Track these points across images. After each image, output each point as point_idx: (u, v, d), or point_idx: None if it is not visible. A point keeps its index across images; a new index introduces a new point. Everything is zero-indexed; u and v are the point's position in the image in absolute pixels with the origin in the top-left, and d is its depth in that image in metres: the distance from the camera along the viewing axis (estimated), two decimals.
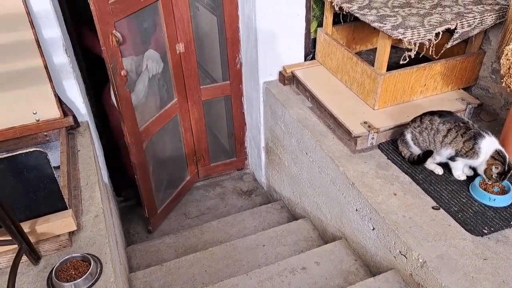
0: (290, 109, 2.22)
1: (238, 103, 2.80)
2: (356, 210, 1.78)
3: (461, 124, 1.65)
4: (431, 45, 1.78)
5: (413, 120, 1.78)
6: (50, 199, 1.39)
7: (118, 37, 1.90)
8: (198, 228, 2.52)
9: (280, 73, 2.43)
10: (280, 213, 2.63)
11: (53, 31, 1.80)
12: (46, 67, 1.78)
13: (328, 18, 2.25)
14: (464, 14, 1.85)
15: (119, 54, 1.98)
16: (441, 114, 1.72)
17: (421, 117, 1.76)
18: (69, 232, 1.45)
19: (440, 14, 1.86)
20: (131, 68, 2.30)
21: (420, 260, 1.45)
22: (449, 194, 1.65)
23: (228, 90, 2.72)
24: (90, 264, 1.36)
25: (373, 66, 1.96)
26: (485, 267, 1.39)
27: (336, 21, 2.28)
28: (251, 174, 3.12)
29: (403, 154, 1.82)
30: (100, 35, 1.80)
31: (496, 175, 1.55)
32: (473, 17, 1.84)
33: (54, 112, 1.89)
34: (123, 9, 1.95)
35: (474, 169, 1.71)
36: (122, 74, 2.00)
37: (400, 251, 1.55)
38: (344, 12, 2.04)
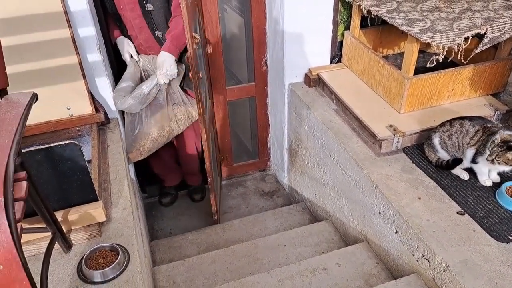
0: (315, 111, 2.23)
1: (263, 104, 2.83)
2: (379, 213, 1.79)
3: (488, 125, 1.64)
4: (460, 50, 1.77)
5: (442, 124, 1.77)
6: (82, 190, 1.45)
7: (197, 39, 1.95)
8: (220, 226, 2.55)
9: (306, 75, 2.44)
10: (302, 214, 2.64)
11: (88, 30, 1.87)
12: (80, 64, 1.85)
13: (355, 21, 2.25)
14: (495, 19, 1.83)
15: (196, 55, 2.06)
16: (471, 118, 1.71)
17: (451, 121, 1.75)
18: (99, 223, 1.51)
19: (470, 19, 1.85)
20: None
21: (443, 265, 1.44)
22: (475, 200, 1.64)
23: (253, 91, 2.76)
24: (118, 254, 1.41)
25: (400, 70, 1.96)
26: (510, 273, 1.38)
27: (363, 24, 2.29)
28: (273, 176, 3.14)
29: (430, 158, 1.81)
30: (189, 37, 1.80)
31: None
32: (503, 22, 1.82)
33: (87, 108, 1.96)
34: (192, 12, 2.02)
35: (500, 175, 1.69)
36: (200, 76, 2.05)
37: (423, 254, 1.55)
38: (372, 16, 2.04)
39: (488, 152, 1.58)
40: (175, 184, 2.92)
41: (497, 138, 1.54)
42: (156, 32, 2.24)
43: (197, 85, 1.96)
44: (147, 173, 2.84)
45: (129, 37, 2.29)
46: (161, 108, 2.28)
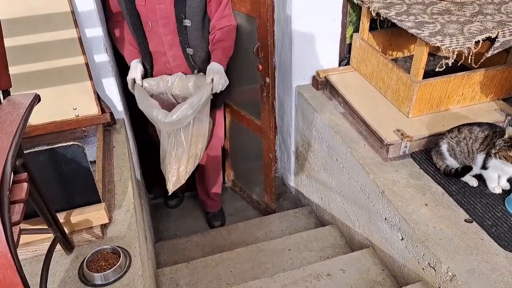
0: (322, 114, 2.21)
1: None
2: (385, 219, 1.76)
3: (498, 130, 1.61)
4: (470, 54, 1.74)
5: (450, 131, 1.74)
6: (85, 192, 1.45)
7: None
8: (225, 229, 2.54)
9: (314, 77, 2.42)
10: (308, 218, 2.62)
11: (96, 30, 1.87)
12: (87, 65, 1.85)
13: (364, 23, 2.23)
14: (506, 23, 1.79)
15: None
16: (480, 124, 1.68)
17: (459, 127, 1.71)
18: (101, 225, 1.50)
19: (481, 22, 1.81)
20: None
21: (450, 274, 1.41)
22: (483, 208, 1.60)
23: None
24: (119, 257, 1.40)
25: (409, 73, 1.93)
26: None
27: (372, 27, 2.26)
28: (280, 178, 3.12)
29: (438, 166, 1.77)
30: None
31: None
32: None
33: (93, 109, 1.96)
34: None
35: (510, 182, 1.65)
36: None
37: (429, 263, 1.52)
38: (381, 18, 2.01)
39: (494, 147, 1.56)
40: (182, 187, 2.89)
41: (506, 134, 1.52)
42: (187, 50, 2.10)
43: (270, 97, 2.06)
44: (154, 174, 2.84)
45: (149, 55, 2.13)
46: (199, 123, 2.15)
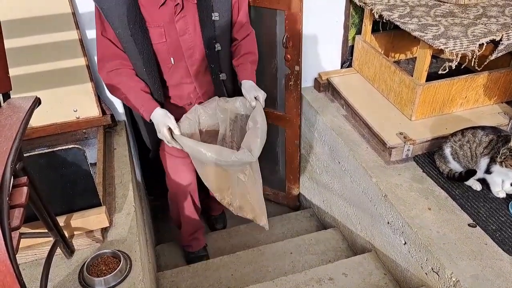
0: (324, 116, 2.20)
1: None
2: (388, 223, 1.74)
3: (503, 134, 1.59)
4: (474, 56, 1.72)
5: (453, 134, 1.72)
6: (86, 195, 1.44)
7: None
8: (226, 231, 2.53)
9: (316, 79, 2.41)
10: (309, 221, 2.61)
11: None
12: (88, 66, 1.84)
13: (367, 25, 2.21)
14: (511, 25, 1.78)
15: None
16: (483, 127, 1.66)
17: (463, 131, 1.70)
18: (102, 228, 1.49)
19: (485, 25, 1.80)
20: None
21: (453, 279, 1.39)
22: (487, 212, 1.59)
23: None
24: (120, 261, 1.39)
25: (412, 76, 1.92)
26: None
27: (375, 29, 2.25)
28: None
29: (441, 170, 1.75)
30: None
31: None
32: None
33: (93, 111, 1.95)
34: None
35: None
36: None
37: (432, 268, 1.50)
38: (384, 20, 2.00)
39: (499, 155, 1.54)
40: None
41: (511, 142, 1.51)
42: (220, 75, 1.88)
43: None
44: (154, 175, 2.82)
45: (161, 91, 1.80)
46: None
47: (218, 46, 1.79)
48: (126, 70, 1.71)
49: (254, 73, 1.87)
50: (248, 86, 1.80)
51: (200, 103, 1.86)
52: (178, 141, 1.67)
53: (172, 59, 1.75)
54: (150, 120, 1.69)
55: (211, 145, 1.66)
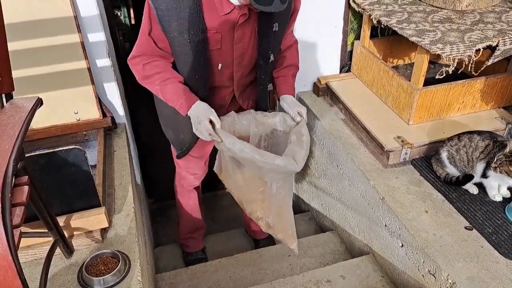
0: (323, 120, 2.21)
1: None
2: (385, 225, 1.75)
3: (499, 139, 1.61)
4: (471, 62, 1.75)
5: (450, 138, 1.74)
6: (86, 196, 1.45)
7: None
8: (224, 234, 2.54)
9: (315, 84, 2.43)
10: (308, 224, 2.62)
11: (98, 35, 1.88)
12: (89, 69, 1.86)
13: (365, 31, 2.24)
14: (507, 31, 1.80)
15: None
16: (480, 132, 1.68)
17: (459, 135, 1.72)
18: (101, 229, 1.50)
19: (482, 31, 1.82)
20: None
21: (450, 281, 1.40)
22: (484, 215, 1.60)
23: None
24: (119, 261, 1.40)
25: (410, 81, 1.94)
26: None
27: (373, 34, 2.27)
28: None
29: (438, 174, 1.77)
30: None
31: None
32: None
33: (94, 113, 1.96)
34: None
35: (511, 190, 1.65)
36: None
37: (429, 270, 1.51)
38: (382, 26, 2.03)
39: (494, 161, 1.56)
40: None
41: (508, 148, 1.52)
42: (269, 86, 1.81)
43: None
44: (153, 177, 2.84)
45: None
46: None
47: (272, 57, 1.70)
48: (164, 63, 1.62)
49: (294, 87, 1.81)
50: (291, 101, 1.73)
51: (229, 106, 1.81)
52: (220, 135, 1.59)
53: (220, 65, 1.65)
54: (186, 114, 1.62)
55: (253, 146, 1.59)
